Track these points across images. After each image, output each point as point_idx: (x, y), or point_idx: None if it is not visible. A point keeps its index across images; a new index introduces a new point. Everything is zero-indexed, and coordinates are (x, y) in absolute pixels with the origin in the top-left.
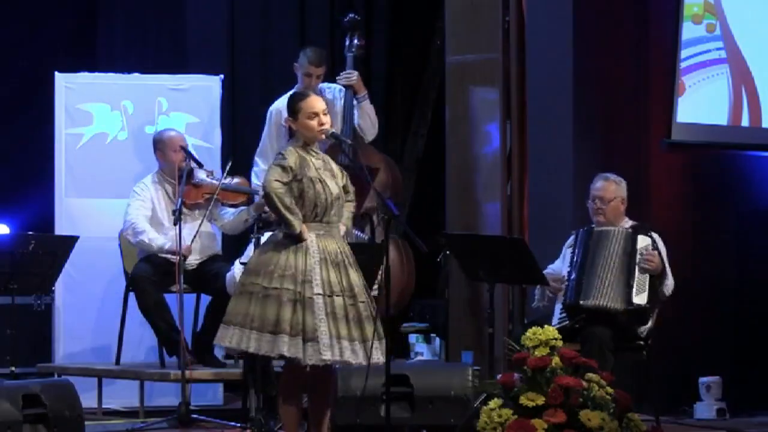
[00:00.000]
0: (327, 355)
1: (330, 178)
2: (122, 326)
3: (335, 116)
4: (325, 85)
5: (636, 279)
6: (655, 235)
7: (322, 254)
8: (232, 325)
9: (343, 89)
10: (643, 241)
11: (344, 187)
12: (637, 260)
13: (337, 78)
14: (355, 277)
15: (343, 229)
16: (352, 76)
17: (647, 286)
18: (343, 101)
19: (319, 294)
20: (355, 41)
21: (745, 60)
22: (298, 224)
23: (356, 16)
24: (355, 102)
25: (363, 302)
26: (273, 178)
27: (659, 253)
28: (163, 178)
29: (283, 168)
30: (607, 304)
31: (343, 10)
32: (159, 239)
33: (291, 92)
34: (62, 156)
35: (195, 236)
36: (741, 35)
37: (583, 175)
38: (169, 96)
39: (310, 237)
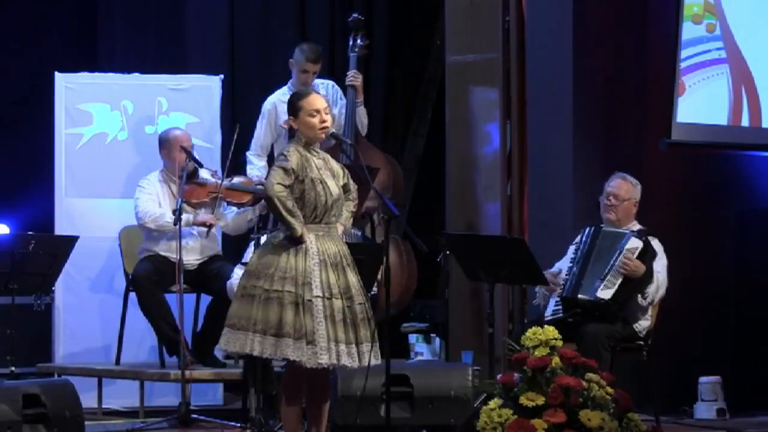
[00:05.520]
0: (324, 359)
1: (330, 177)
2: (122, 326)
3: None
4: (319, 81)
5: (609, 275)
6: (656, 243)
7: (322, 256)
8: (235, 328)
9: (336, 85)
10: (632, 243)
11: (345, 186)
12: (618, 260)
13: (346, 80)
14: (353, 279)
15: (341, 229)
16: (358, 78)
17: (617, 285)
18: (344, 101)
19: (319, 296)
20: (359, 41)
21: (745, 60)
22: (299, 227)
23: (360, 16)
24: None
25: (360, 304)
26: (275, 181)
27: (649, 259)
28: (168, 176)
29: (286, 170)
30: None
31: (344, 10)
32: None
33: (285, 87)
34: (62, 156)
35: (216, 205)
36: (741, 35)
37: (583, 175)
38: (169, 96)
39: (310, 238)
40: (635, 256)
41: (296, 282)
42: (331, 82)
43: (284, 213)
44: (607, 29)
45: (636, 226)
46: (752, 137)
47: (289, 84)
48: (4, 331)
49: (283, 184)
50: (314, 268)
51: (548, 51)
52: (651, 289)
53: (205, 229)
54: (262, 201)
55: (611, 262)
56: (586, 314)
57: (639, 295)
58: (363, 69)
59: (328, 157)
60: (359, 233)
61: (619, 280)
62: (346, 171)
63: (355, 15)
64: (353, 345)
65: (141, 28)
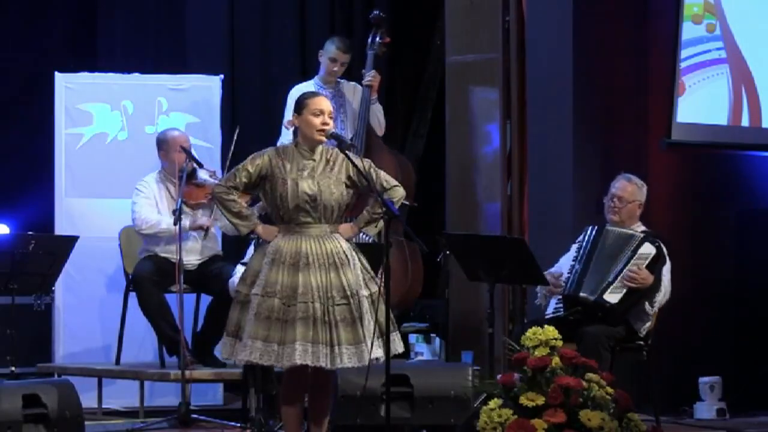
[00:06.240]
0: (242, 355)
1: (312, 179)
2: (122, 326)
3: (345, 112)
4: (343, 81)
5: (618, 280)
6: (663, 247)
7: (275, 255)
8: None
9: (359, 86)
10: (646, 248)
11: (366, 188)
12: (627, 268)
13: (363, 80)
14: (312, 279)
15: (352, 230)
16: (376, 80)
17: (624, 291)
18: (359, 98)
19: (256, 294)
20: (378, 38)
21: (745, 60)
22: (244, 227)
23: (382, 13)
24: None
25: (304, 303)
26: (218, 182)
27: (658, 269)
28: (165, 177)
29: (237, 171)
30: (586, 295)
31: (344, 11)
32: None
33: (312, 81)
34: (62, 156)
35: (212, 214)
36: (741, 35)
37: (583, 175)
38: (169, 96)
39: (275, 239)
40: (646, 263)
41: (245, 282)
42: (355, 84)
43: (225, 213)
44: (607, 29)
45: (640, 228)
46: (752, 137)
47: (316, 78)
48: (4, 331)
49: (223, 185)
50: (264, 267)
51: (548, 51)
52: (658, 297)
53: (203, 232)
54: (262, 202)
55: (621, 266)
56: (587, 313)
57: (646, 302)
58: (382, 67)
59: (338, 159)
60: (366, 237)
61: (626, 289)
62: (371, 173)
63: (376, 12)
64: (274, 343)
65: (141, 28)
